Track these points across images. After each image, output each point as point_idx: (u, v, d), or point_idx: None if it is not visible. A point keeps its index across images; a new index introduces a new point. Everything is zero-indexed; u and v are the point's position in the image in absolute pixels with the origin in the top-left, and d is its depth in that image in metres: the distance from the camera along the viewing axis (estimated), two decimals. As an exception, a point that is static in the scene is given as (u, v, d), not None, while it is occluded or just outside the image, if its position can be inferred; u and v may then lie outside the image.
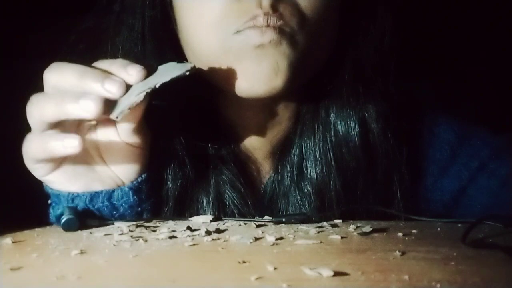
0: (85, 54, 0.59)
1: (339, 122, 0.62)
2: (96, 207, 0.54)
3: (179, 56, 0.59)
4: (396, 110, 0.63)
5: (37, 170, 0.52)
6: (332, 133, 0.62)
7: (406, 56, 0.63)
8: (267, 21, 0.52)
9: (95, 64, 0.51)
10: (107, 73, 0.50)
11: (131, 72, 0.50)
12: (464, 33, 1.00)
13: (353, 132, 0.61)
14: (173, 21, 0.59)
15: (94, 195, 0.54)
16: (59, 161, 0.52)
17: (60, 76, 0.50)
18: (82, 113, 0.48)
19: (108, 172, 0.55)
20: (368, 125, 0.62)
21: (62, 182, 0.53)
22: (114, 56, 0.60)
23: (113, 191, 0.54)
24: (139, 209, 0.56)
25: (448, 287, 0.32)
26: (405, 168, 0.63)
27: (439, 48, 0.99)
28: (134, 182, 0.55)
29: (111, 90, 0.48)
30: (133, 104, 0.49)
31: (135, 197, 0.55)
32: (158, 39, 0.60)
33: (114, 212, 0.55)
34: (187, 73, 0.50)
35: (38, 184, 0.55)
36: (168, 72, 0.51)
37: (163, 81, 0.50)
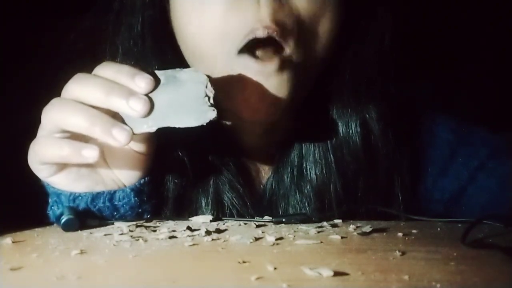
0: (84, 53, 0.59)
1: (339, 123, 0.62)
2: (97, 207, 0.54)
3: (179, 55, 0.59)
4: (396, 111, 0.63)
5: (42, 171, 0.52)
6: (332, 135, 0.62)
7: (406, 56, 0.63)
8: (267, 33, 0.52)
9: (100, 66, 0.51)
10: (131, 89, 0.49)
11: (140, 84, 0.49)
12: (464, 33, 1.00)
13: (353, 134, 0.61)
14: (171, 22, 0.59)
15: (95, 196, 0.54)
16: (63, 164, 0.52)
17: (85, 89, 0.49)
18: (111, 141, 0.48)
19: (110, 175, 0.55)
20: (368, 126, 0.62)
21: (65, 183, 0.53)
22: (113, 55, 0.60)
23: (115, 192, 0.54)
24: (140, 210, 0.56)
25: (448, 287, 0.32)
26: (405, 168, 0.63)
27: (439, 48, 1.00)
28: (136, 184, 0.55)
29: (136, 108, 0.49)
30: (143, 132, 0.50)
31: (136, 198, 0.55)
32: (157, 38, 0.60)
33: (115, 213, 0.55)
34: (204, 124, 0.50)
35: (38, 184, 0.55)
36: (185, 107, 0.50)
37: (178, 125, 0.50)
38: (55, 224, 0.54)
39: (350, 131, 0.61)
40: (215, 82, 0.52)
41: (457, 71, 1.02)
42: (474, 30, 1.00)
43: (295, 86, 0.55)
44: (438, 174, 0.66)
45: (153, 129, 0.50)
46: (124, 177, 0.55)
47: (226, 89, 0.54)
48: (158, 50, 0.60)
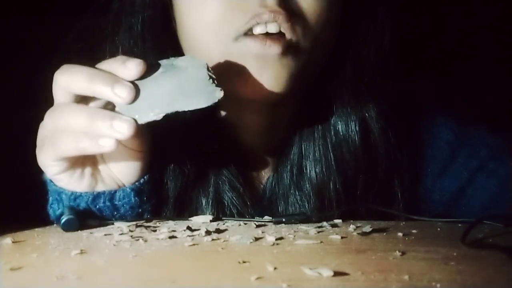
0: (82, 53, 0.59)
1: (339, 122, 0.62)
2: (97, 207, 0.54)
3: (180, 55, 0.59)
4: (396, 110, 0.63)
5: (51, 168, 0.52)
6: (332, 133, 0.62)
7: (406, 56, 0.63)
8: (273, 18, 0.52)
9: (97, 65, 0.51)
10: (116, 76, 0.49)
11: (130, 67, 0.49)
12: (463, 33, 1.00)
13: (353, 132, 0.61)
14: (173, 20, 0.59)
15: (96, 196, 0.54)
16: (74, 161, 0.52)
17: (70, 78, 0.50)
18: (114, 135, 0.48)
19: (110, 174, 0.55)
20: (368, 125, 0.62)
21: (70, 181, 0.53)
22: (113, 55, 0.60)
23: (115, 191, 0.54)
24: (140, 210, 0.56)
25: (448, 287, 0.32)
26: (405, 168, 0.63)
27: (439, 48, 1.00)
28: (136, 183, 0.55)
29: (121, 94, 0.49)
30: (150, 121, 0.49)
31: (136, 198, 0.55)
32: (158, 38, 0.60)
33: (115, 213, 0.54)
34: (214, 104, 0.49)
35: (38, 183, 0.55)
36: (191, 90, 0.50)
37: (188, 108, 0.49)
38: (55, 224, 0.54)
39: (350, 130, 0.61)
40: (213, 69, 0.52)
41: (457, 71, 1.02)
42: (474, 30, 1.00)
43: (297, 75, 0.55)
44: (437, 174, 0.66)
45: (160, 116, 0.49)
46: (123, 175, 0.55)
47: (224, 75, 0.53)
48: (159, 50, 0.60)
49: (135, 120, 0.48)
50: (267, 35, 0.53)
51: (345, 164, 0.61)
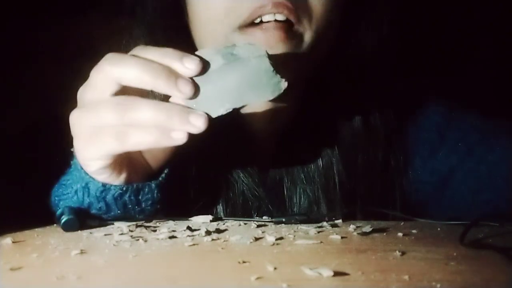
0: (89, 50, 0.59)
1: (341, 116, 0.63)
2: (122, 200, 0.53)
3: (192, 48, 0.59)
4: (396, 106, 0.64)
5: (96, 162, 0.50)
6: (336, 126, 0.63)
7: (406, 55, 0.64)
8: (277, 10, 0.53)
9: (139, 48, 0.49)
10: (177, 73, 0.48)
11: (189, 65, 0.48)
12: (463, 33, 1.00)
13: (357, 124, 0.63)
14: (185, 12, 0.60)
15: (124, 190, 0.52)
16: (116, 156, 0.50)
17: (124, 69, 0.47)
18: (189, 129, 0.47)
19: (141, 160, 0.54)
20: (369, 118, 0.63)
21: (109, 176, 0.52)
22: (128, 45, 0.60)
23: (141, 187, 0.53)
24: (159, 206, 0.55)
25: (448, 287, 0.32)
26: (400, 151, 0.65)
27: (439, 48, 1.00)
28: (160, 179, 0.54)
29: (185, 91, 0.47)
30: (220, 115, 0.49)
31: (158, 194, 0.54)
32: (170, 30, 0.60)
33: (136, 207, 0.54)
34: (279, 95, 0.49)
35: (39, 184, 0.55)
36: (257, 82, 0.49)
37: (256, 101, 0.50)
38: (55, 224, 0.54)
39: (353, 122, 0.63)
40: None
41: (457, 70, 1.02)
42: (474, 30, 1.00)
43: (301, 63, 0.56)
44: (427, 156, 0.67)
45: (229, 110, 0.49)
46: (152, 159, 0.54)
47: None
48: (171, 43, 0.59)
49: (208, 115, 0.48)
50: (275, 22, 0.54)
51: (346, 146, 0.63)
